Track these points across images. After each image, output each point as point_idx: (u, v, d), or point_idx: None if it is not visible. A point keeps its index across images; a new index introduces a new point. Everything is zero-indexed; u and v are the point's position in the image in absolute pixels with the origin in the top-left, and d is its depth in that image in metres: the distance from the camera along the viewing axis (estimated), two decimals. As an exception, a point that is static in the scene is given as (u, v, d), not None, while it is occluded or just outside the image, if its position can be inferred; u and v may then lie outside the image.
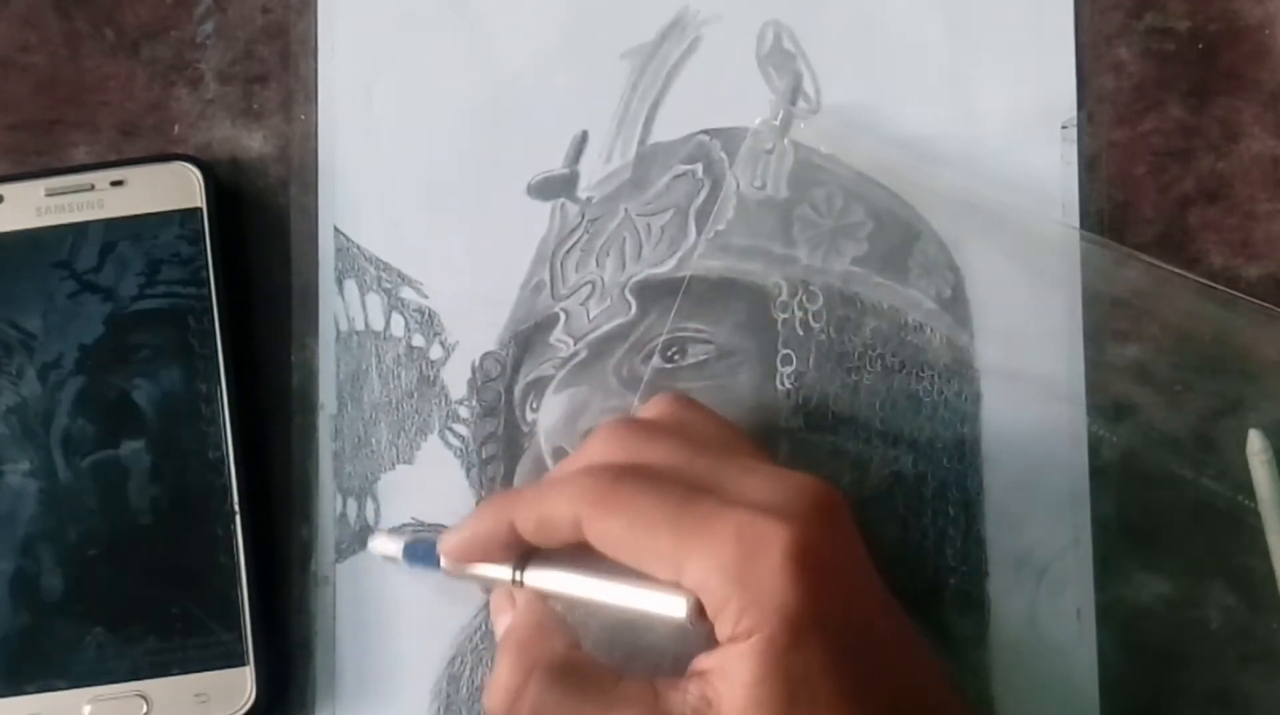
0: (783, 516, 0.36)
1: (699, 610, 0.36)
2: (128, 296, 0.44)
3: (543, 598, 0.40)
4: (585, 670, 0.38)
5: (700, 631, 0.36)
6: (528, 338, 0.45)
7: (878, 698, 0.36)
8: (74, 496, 0.43)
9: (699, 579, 0.36)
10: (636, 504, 0.37)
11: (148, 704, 0.42)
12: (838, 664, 0.35)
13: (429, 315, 0.46)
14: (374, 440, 0.45)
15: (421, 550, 0.42)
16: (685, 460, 0.38)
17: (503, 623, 0.39)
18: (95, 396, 0.44)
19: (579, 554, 0.38)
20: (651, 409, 0.41)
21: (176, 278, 0.44)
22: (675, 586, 0.36)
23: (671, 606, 0.36)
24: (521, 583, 0.40)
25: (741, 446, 0.40)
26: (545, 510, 0.38)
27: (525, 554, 0.40)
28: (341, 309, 0.46)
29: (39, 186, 0.45)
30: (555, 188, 0.46)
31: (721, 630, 0.36)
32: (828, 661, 0.35)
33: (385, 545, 0.43)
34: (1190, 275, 0.44)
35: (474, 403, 0.45)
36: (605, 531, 0.37)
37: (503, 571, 0.40)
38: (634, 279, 0.45)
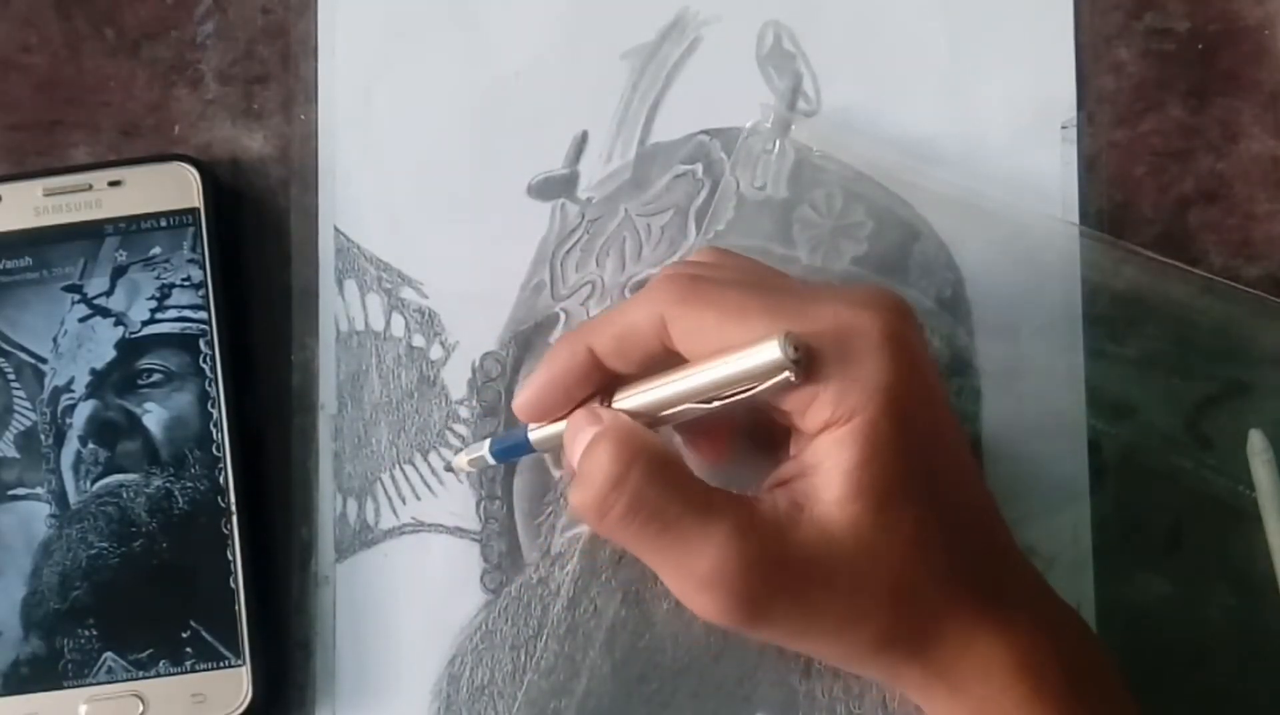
0: (871, 307, 0.35)
1: (796, 348, 0.34)
2: (125, 296, 0.44)
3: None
4: (683, 472, 0.36)
5: (802, 379, 0.34)
6: (528, 338, 0.45)
7: (955, 509, 0.36)
8: (70, 496, 0.43)
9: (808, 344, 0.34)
10: (725, 297, 0.36)
11: (144, 704, 0.42)
12: (928, 461, 0.35)
13: (429, 315, 0.46)
14: (374, 440, 0.45)
15: (507, 442, 0.41)
16: (757, 276, 0.37)
17: (585, 437, 0.36)
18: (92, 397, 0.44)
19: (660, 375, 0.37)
20: (699, 257, 0.40)
21: (175, 278, 0.44)
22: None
23: (766, 352, 0.34)
24: (610, 404, 0.37)
25: (792, 277, 0.39)
26: (626, 321, 0.37)
27: (607, 388, 0.38)
28: (342, 309, 0.46)
29: (36, 187, 0.45)
30: (555, 188, 0.46)
31: (816, 417, 0.35)
32: (921, 456, 0.35)
33: (471, 455, 0.42)
34: (1190, 268, 0.44)
35: (474, 403, 0.45)
36: (695, 326, 0.36)
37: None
38: (634, 279, 0.45)
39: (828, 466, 0.35)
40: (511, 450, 0.41)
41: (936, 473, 0.35)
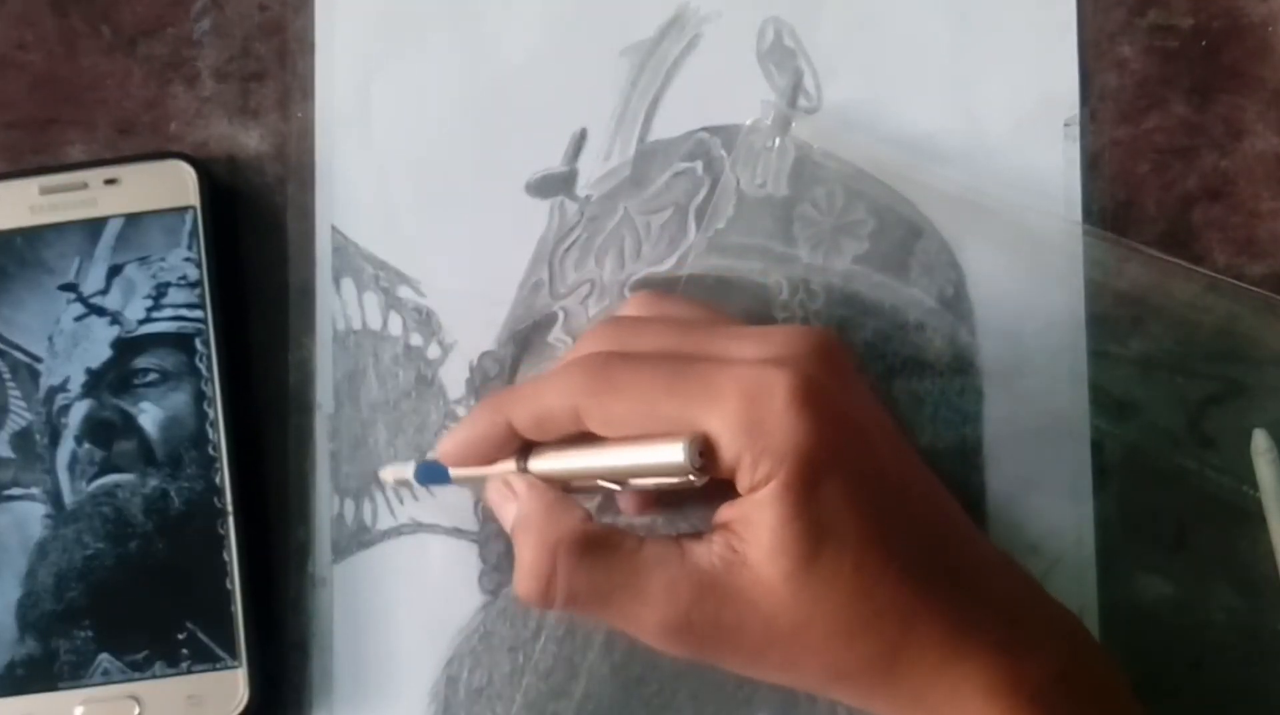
0: (781, 363, 0.36)
1: (700, 452, 0.35)
2: (121, 295, 0.44)
3: (543, 482, 0.39)
4: (608, 540, 0.37)
5: (705, 479, 0.36)
6: (526, 337, 0.45)
7: (905, 542, 0.36)
8: (65, 496, 0.43)
9: (710, 439, 0.35)
10: (634, 383, 0.36)
11: (139, 705, 0.42)
12: (860, 505, 0.35)
13: (427, 314, 0.45)
14: (371, 440, 0.45)
15: (431, 468, 0.41)
16: (674, 340, 0.38)
17: (509, 511, 0.39)
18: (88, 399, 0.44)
19: (577, 441, 0.38)
20: (630, 308, 0.41)
21: (171, 277, 0.44)
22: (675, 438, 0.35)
23: (669, 452, 0.35)
24: (526, 470, 0.39)
25: (726, 320, 0.40)
26: (542, 405, 0.38)
27: (525, 448, 0.39)
28: (339, 308, 0.45)
29: (32, 185, 0.44)
30: (554, 186, 0.46)
31: (741, 483, 0.36)
32: (849, 502, 0.35)
33: (396, 471, 0.42)
34: (1193, 266, 0.43)
35: (472, 402, 0.45)
36: (607, 415, 0.36)
37: (506, 466, 0.39)
38: (633, 277, 0.45)
39: (755, 521, 0.35)
40: (434, 477, 0.41)
41: (878, 510, 0.35)
